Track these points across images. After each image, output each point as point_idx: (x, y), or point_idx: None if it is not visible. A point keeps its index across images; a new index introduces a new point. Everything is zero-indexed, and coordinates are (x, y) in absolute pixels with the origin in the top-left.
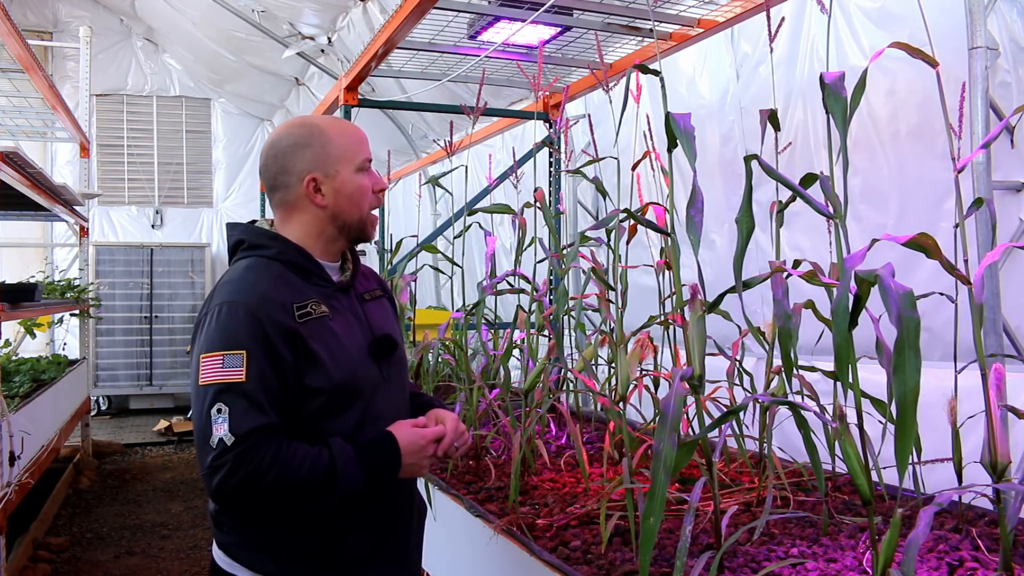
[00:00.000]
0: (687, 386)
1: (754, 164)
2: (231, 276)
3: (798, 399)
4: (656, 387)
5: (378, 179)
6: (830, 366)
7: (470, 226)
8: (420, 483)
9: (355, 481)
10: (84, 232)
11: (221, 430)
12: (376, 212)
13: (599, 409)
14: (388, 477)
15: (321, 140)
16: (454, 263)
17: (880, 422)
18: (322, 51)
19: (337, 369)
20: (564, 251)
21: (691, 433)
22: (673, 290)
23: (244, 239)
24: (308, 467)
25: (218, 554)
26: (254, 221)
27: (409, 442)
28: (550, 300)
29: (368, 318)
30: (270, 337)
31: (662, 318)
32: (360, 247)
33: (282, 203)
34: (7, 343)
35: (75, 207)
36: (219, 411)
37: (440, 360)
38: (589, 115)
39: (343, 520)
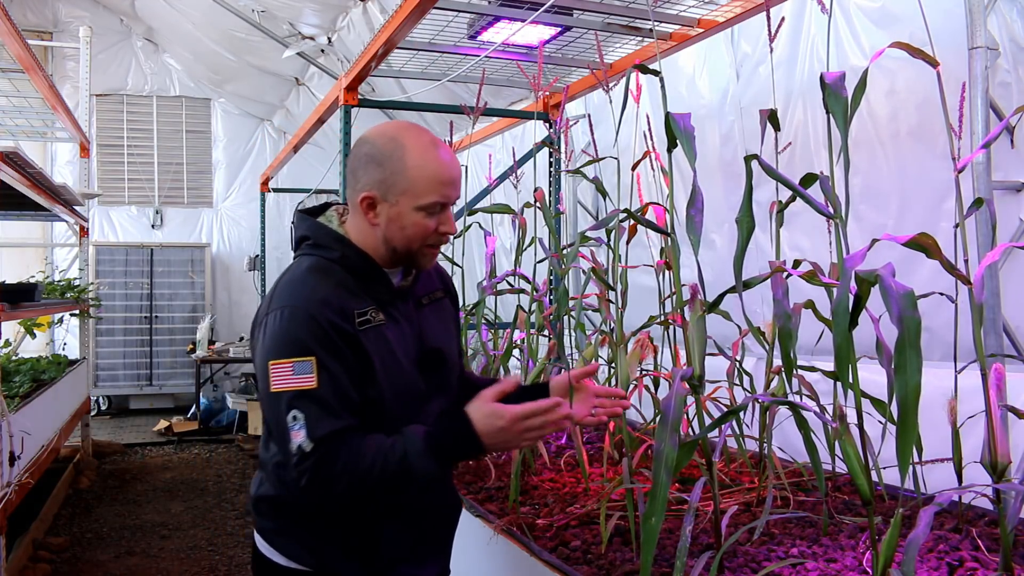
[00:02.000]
0: (687, 386)
1: (754, 164)
2: (292, 276)
3: (798, 399)
4: (656, 387)
5: (447, 221)
6: (830, 366)
7: (470, 226)
8: None
9: (431, 471)
10: (84, 232)
11: (299, 437)
12: (438, 248)
13: None
14: (471, 458)
15: (396, 166)
16: (454, 263)
17: (880, 422)
18: (322, 51)
19: (386, 381)
20: (564, 251)
21: (691, 433)
22: (673, 290)
23: (309, 236)
24: (380, 465)
25: (258, 538)
26: (327, 205)
27: (487, 425)
28: (550, 300)
29: (421, 326)
30: (333, 341)
31: (662, 318)
32: None
33: (349, 200)
34: (7, 343)
35: (75, 207)
36: (295, 418)
37: None
38: (589, 115)
39: (383, 519)
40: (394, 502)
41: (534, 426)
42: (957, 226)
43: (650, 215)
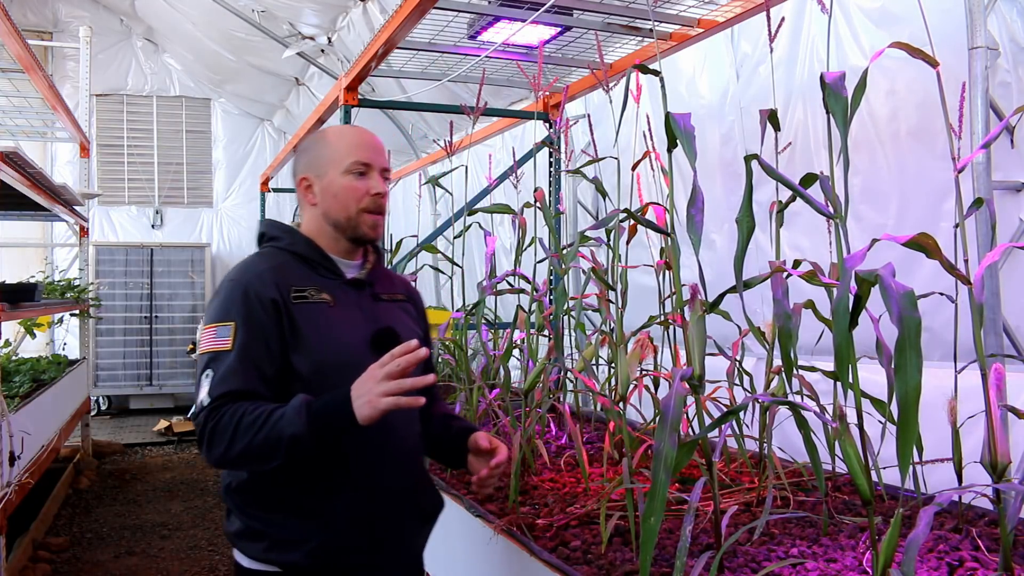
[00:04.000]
0: (687, 386)
1: (754, 164)
2: (244, 260)
3: (798, 399)
4: (656, 387)
5: (376, 183)
6: (830, 366)
7: (470, 226)
8: None
9: (299, 431)
10: (84, 232)
11: (203, 392)
12: (376, 215)
13: (599, 409)
14: (342, 424)
15: (318, 146)
16: (454, 263)
17: (880, 422)
18: (322, 51)
19: (321, 349)
20: (564, 251)
21: (691, 433)
22: (673, 290)
23: (266, 232)
24: (261, 422)
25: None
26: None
27: (356, 384)
28: (550, 300)
29: (376, 314)
30: (255, 311)
31: (662, 318)
32: None
33: (298, 199)
34: (7, 343)
35: (75, 207)
36: (207, 376)
37: (440, 360)
38: (589, 115)
39: (336, 511)
40: (274, 467)
41: (390, 372)
42: (957, 226)
43: (650, 215)
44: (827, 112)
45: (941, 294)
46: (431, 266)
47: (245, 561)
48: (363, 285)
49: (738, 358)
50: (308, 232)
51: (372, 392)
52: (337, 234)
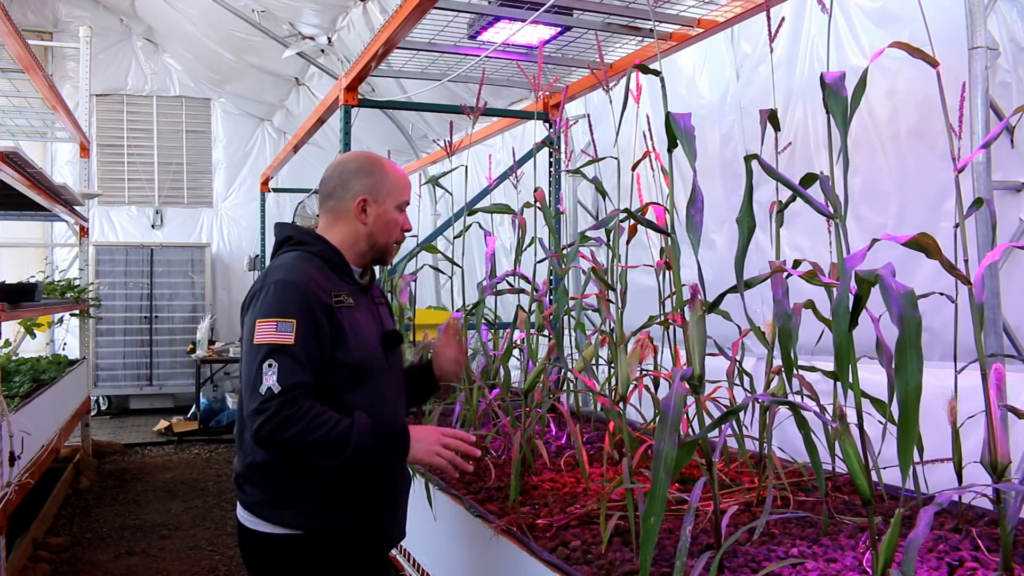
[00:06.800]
0: (687, 386)
1: (754, 164)
2: (282, 263)
3: (798, 399)
4: (656, 387)
5: (408, 221)
6: (830, 366)
7: (470, 226)
8: (420, 482)
9: (365, 445)
10: (84, 232)
11: (271, 380)
12: (398, 245)
13: (599, 409)
14: (396, 453)
15: (380, 173)
16: (454, 263)
17: (880, 422)
18: (322, 51)
19: (357, 348)
20: (564, 251)
21: (691, 433)
22: (673, 290)
23: (292, 236)
24: (331, 425)
25: (245, 515)
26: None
27: (417, 429)
28: (550, 300)
29: (380, 315)
30: (314, 310)
31: (662, 318)
32: None
33: (332, 209)
34: (7, 343)
35: (75, 207)
36: (270, 365)
37: None
38: (589, 115)
39: (361, 482)
40: (321, 465)
41: (448, 443)
42: (957, 226)
43: (650, 215)
44: (827, 112)
45: (941, 294)
46: (431, 266)
47: (267, 527)
48: (365, 290)
49: (738, 358)
50: (337, 242)
51: (432, 445)
52: (368, 253)
